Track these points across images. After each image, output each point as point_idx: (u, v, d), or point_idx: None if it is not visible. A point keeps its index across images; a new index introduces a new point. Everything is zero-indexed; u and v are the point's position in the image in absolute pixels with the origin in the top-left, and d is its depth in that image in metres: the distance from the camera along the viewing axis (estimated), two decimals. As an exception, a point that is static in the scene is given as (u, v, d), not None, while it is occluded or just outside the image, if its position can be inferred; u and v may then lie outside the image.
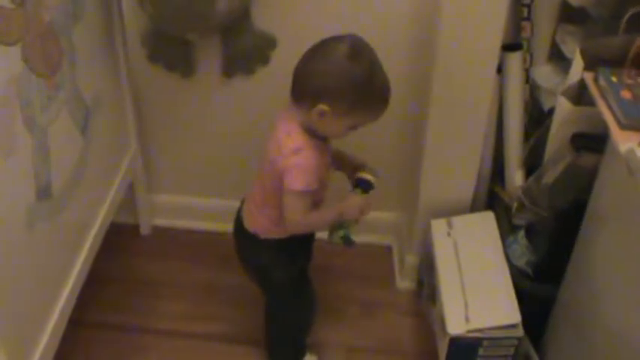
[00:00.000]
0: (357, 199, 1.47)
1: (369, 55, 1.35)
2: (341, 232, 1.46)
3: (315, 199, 1.45)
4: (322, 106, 1.32)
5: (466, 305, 1.61)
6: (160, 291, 1.97)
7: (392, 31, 1.74)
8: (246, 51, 1.78)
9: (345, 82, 1.31)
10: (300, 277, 1.63)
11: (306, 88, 1.35)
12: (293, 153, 1.36)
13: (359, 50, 1.33)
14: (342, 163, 1.54)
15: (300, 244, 1.57)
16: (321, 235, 1.54)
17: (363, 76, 1.32)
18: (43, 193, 1.38)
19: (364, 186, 1.48)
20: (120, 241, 2.03)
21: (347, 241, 1.47)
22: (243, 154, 1.87)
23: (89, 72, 1.58)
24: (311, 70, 1.35)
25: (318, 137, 1.40)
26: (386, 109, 1.39)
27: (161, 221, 2.16)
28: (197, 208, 2.14)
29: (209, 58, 1.83)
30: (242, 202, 1.58)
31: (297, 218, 1.41)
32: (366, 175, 1.49)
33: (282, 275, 1.58)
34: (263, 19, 1.74)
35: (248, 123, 1.91)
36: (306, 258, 1.65)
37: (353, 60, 1.31)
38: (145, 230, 2.15)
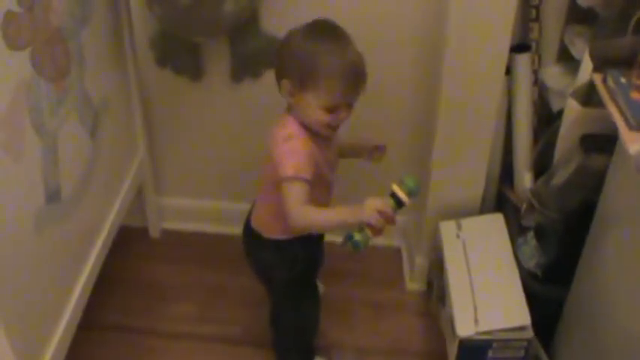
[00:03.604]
0: (375, 199, 1.33)
1: (323, 33, 1.38)
2: (356, 236, 1.33)
3: (315, 198, 1.38)
4: (284, 81, 1.38)
5: (475, 307, 1.61)
6: (168, 293, 1.98)
7: (400, 34, 1.75)
8: (254, 54, 1.78)
9: (292, 55, 1.38)
10: (304, 280, 1.63)
11: (275, 67, 1.42)
12: (284, 140, 1.39)
13: (313, 28, 1.39)
14: (355, 150, 1.58)
15: (305, 248, 1.54)
16: (331, 237, 1.53)
17: (307, 50, 1.36)
18: (53, 196, 1.38)
19: (397, 201, 1.36)
20: (129, 243, 2.03)
21: (354, 245, 1.34)
22: (251, 157, 1.86)
23: (98, 76, 1.58)
24: (276, 51, 1.45)
25: (314, 131, 1.40)
26: (351, 87, 1.36)
27: (170, 224, 2.17)
28: (206, 211, 2.14)
29: (217, 61, 1.83)
30: (254, 201, 1.59)
31: (294, 210, 1.34)
32: (400, 193, 1.35)
33: (283, 276, 1.58)
34: (271, 23, 1.74)
35: (256, 126, 1.91)
36: (313, 262, 1.63)
37: (303, 36, 1.38)
38: (153, 233, 2.15)
